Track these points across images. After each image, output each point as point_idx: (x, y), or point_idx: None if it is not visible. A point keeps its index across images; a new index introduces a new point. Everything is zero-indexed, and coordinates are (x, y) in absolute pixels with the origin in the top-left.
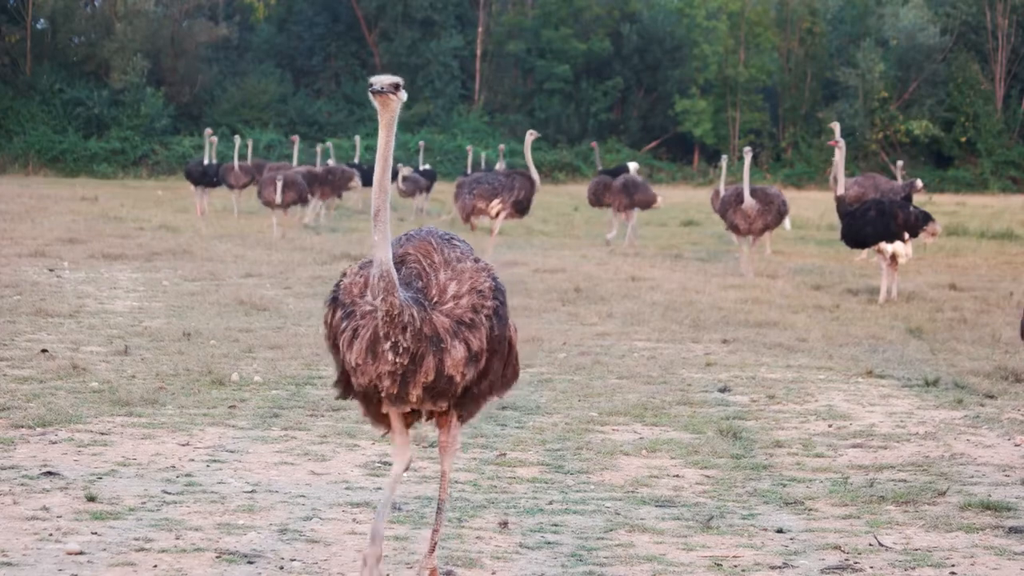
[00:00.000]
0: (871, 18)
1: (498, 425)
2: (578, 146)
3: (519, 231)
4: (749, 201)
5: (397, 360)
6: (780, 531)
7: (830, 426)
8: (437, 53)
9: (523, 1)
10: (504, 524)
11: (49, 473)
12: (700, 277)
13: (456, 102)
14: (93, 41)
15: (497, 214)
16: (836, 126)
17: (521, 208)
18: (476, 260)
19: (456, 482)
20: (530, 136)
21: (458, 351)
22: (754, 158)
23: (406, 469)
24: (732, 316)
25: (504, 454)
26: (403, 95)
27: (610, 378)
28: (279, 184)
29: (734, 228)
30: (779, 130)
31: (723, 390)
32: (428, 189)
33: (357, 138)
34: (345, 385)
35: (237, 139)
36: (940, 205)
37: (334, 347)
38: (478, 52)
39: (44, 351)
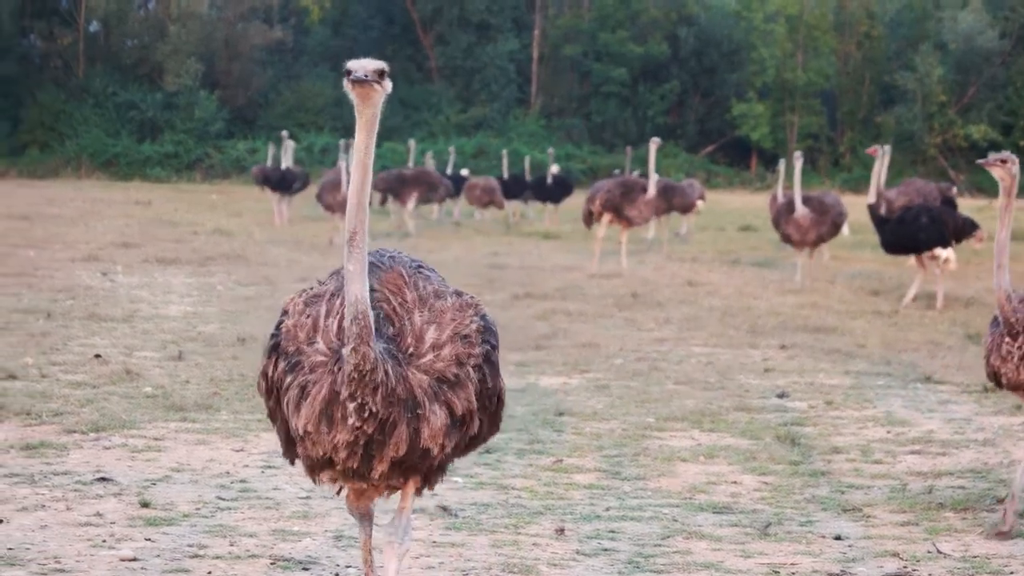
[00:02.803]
0: (929, 22)
1: (555, 431)
2: (636, 150)
3: (578, 235)
4: (801, 210)
5: (361, 427)
6: (838, 538)
7: (888, 432)
8: (493, 56)
9: (579, 4)
10: (561, 531)
11: (103, 479)
12: (757, 282)
13: (512, 106)
14: (146, 44)
15: (597, 215)
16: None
17: (615, 209)
18: (458, 294)
19: (512, 488)
20: (653, 144)
21: (438, 418)
22: (812, 163)
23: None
24: (790, 321)
25: (561, 460)
26: (388, 85)
27: (667, 384)
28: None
29: (786, 239)
30: (837, 134)
31: (781, 396)
32: (457, 194)
33: (412, 142)
34: (295, 454)
35: (291, 143)
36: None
37: (276, 407)
38: (534, 55)
39: (97, 356)
